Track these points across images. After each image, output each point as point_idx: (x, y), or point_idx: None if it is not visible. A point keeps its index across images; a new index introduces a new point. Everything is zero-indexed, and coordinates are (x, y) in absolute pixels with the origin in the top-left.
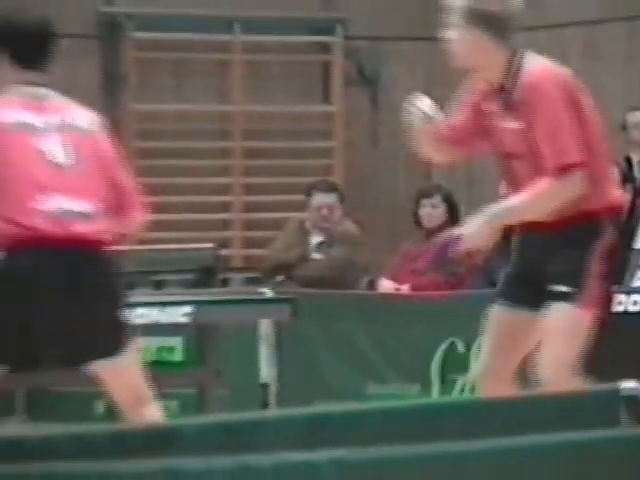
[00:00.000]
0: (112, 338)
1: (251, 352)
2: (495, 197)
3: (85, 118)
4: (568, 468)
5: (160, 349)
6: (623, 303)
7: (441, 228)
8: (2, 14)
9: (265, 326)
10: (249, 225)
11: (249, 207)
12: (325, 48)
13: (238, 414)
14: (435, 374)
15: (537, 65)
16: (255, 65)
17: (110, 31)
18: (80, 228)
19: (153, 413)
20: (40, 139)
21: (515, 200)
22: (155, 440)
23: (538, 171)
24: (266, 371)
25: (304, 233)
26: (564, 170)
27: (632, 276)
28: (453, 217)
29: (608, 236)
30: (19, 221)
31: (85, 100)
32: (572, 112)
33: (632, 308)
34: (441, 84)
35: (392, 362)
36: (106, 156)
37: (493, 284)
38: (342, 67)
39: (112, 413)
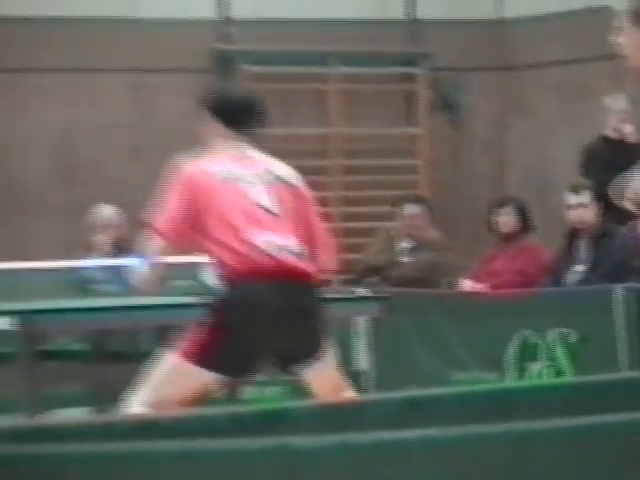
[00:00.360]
0: (319, 347)
1: (348, 344)
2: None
3: (284, 170)
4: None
5: None
6: None
7: (514, 234)
8: (219, 91)
9: (361, 321)
10: (345, 233)
11: (345, 217)
12: (411, 78)
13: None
14: (509, 362)
15: None
16: (350, 93)
17: (225, 66)
18: (292, 262)
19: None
20: (248, 188)
21: None
22: (271, 420)
23: None
24: (362, 360)
25: (391, 240)
26: None
27: None
28: (525, 224)
29: None
30: (240, 251)
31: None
32: None
33: None
34: (513, 110)
35: (473, 352)
36: (304, 205)
37: (558, 283)
38: (426, 95)
39: None
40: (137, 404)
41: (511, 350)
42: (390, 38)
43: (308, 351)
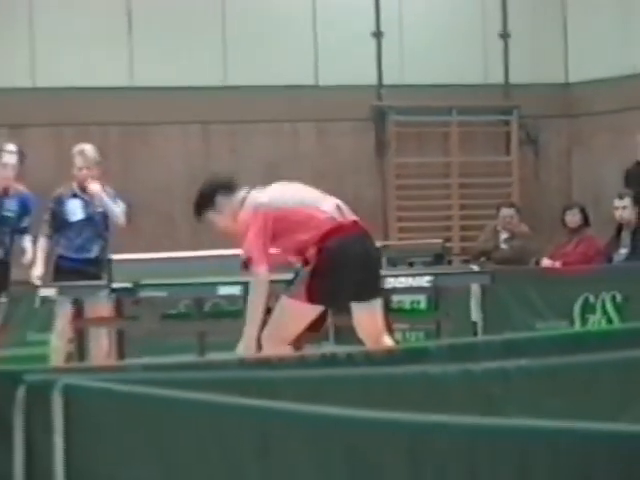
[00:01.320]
0: (378, 289)
1: (467, 303)
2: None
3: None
4: None
5: (412, 302)
6: None
7: (578, 228)
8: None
9: (475, 288)
10: (463, 227)
11: (462, 217)
12: (506, 123)
13: (463, 339)
14: (576, 315)
15: None
16: (464, 134)
17: (380, 115)
18: (356, 220)
19: (388, 342)
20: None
21: None
22: (412, 355)
23: None
24: (476, 314)
25: (495, 232)
26: None
27: None
28: (586, 221)
29: None
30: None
31: (364, 157)
32: None
33: None
34: (576, 144)
35: (551, 308)
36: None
37: (609, 261)
38: (517, 134)
39: None
40: (266, 341)
41: (577, 307)
42: (492, 96)
43: (373, 290)
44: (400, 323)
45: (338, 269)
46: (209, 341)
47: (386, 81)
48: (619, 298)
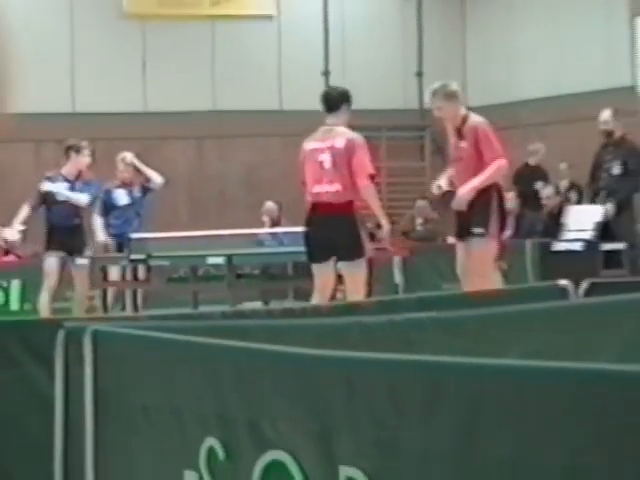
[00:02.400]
0: (351, 252)
1: (391, 270)
2: None
3: (343, 141)
4: None
5: None
6: None
7: None
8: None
9: (397, 259)
10: (390, 214)
11: (389, 207)
12: (421, 137)
13: (388, 296)
14: None
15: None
16: (391, 145)
17: None
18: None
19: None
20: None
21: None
22: (350, 309)
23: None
24: (398, 279)
25: (413, 218)
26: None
27: None
28: None
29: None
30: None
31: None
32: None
33: None
34: None
35: (455, 274)
36: (350, 162)
37: None
38: (429, 145)
39: None
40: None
41: None
42: (410, 117)
43: (343, 250)
44: (342, 285)
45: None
46: (201, 298)
47: None
48: (505, 267)
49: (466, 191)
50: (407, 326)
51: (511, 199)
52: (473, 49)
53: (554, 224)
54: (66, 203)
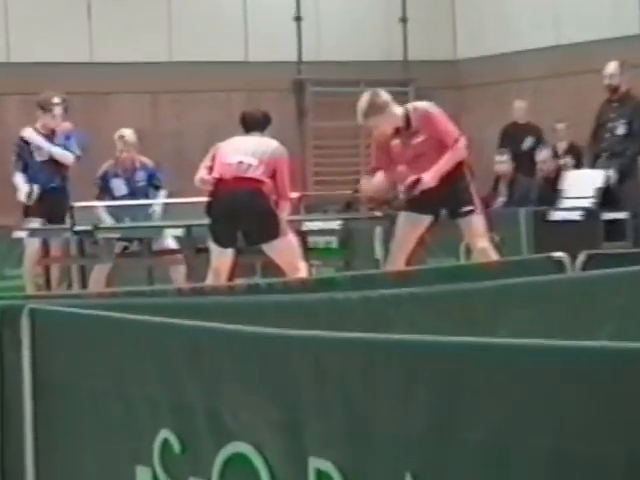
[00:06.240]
0: (271, 233)
1: (370, 243)
2: None
3: (270, 148)
4: None
5: (326, 242)
6: None
7: None
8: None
9: (377, 231)
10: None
11: (369, 172)
12: (405, 93)
13: (364, 271)
14: (461, 253)
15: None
16: None
17: (299, 87)
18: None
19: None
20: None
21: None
22: (323, 285)
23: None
24: (379, 253)
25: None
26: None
27: None
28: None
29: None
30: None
31: (287, 122)
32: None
33: None
34: (465, 111)
35: (441, 248)
36: (277, 167)
37: (488, 207)
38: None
39: None
40: None
41: (462, 246)
42: (393, 70)
43: (263, 234)
44: (315, 260)
45: None
46: (156, 275)
47: (305, 58)
48: (497, 239)
49: (430, 178)
50: (383, 303)
51: (505, 162)
52: None
53: (550, 190)
54: (46, 162)
